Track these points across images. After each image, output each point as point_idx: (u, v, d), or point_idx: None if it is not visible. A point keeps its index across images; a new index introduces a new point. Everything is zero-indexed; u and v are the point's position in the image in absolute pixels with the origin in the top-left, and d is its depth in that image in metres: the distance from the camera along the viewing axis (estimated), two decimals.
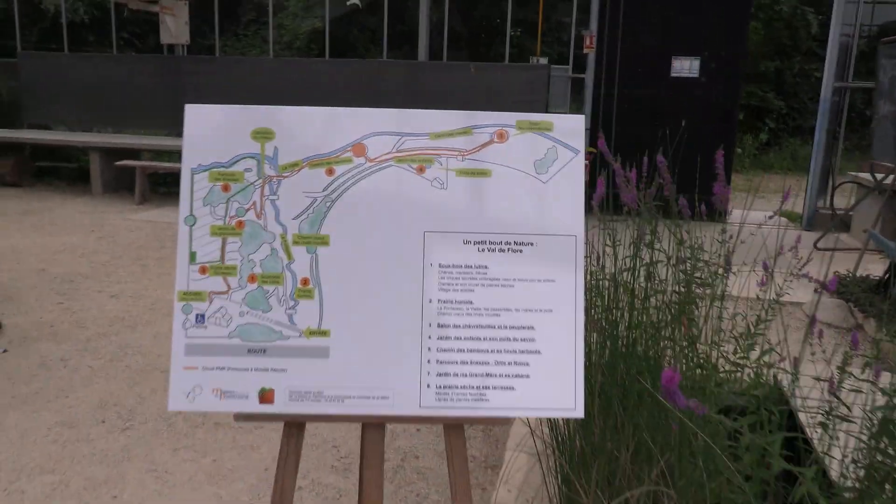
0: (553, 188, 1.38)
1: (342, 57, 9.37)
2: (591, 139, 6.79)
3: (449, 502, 2.49)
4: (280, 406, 1.34)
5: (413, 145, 1.39)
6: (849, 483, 1.52)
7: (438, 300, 1.35)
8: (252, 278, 1.36)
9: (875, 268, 5.51)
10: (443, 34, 8.99)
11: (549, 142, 1.39)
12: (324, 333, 1.35)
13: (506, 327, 1.35)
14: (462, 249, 1.36)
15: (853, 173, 7.28)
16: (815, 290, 1.77)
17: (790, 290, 1.82)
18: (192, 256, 1.37)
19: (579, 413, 1.34)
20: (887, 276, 4.83)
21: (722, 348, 1.80)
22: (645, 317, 1.85)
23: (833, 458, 1.58)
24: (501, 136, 1.39)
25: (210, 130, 1.39)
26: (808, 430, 1.74)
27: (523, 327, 1.35)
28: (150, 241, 6.27)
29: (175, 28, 8.80)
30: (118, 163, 8.30)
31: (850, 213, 6.90)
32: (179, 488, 2.52)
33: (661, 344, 1.85)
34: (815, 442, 1.64)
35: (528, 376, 1.34)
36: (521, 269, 1.36)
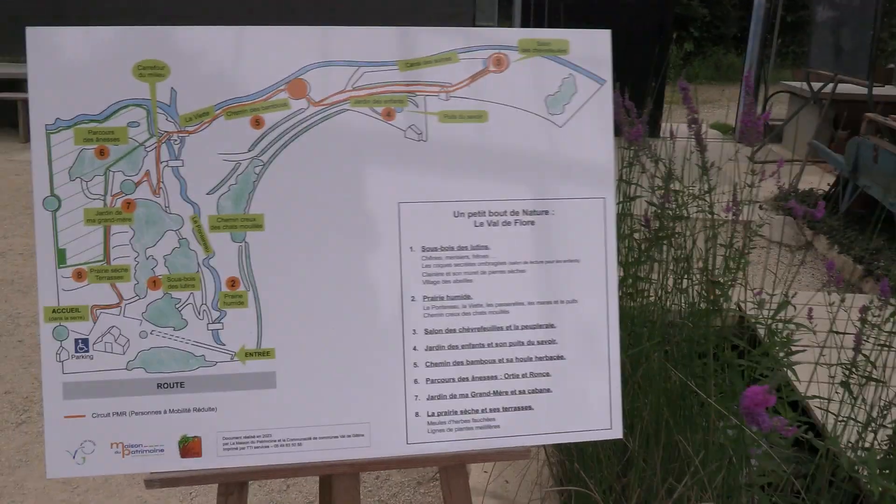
0: (572, 133, 1.00)
1: None
2: None
3: None
4: (211, 459, 0.95)
5: (375, 79, 0.98)
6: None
7: (423, 297, 0.98)
8: (154, 283, 0.94)
9: (813, 180, 5.43)
10: None
11: (564, 69, 1.01)
12: (266, 354, 0.96)
13: (517, 328, 0.99)
14: (452, 225, 0.98)
15: (786, 83, 7.16)
16: (760, 207, 1.55)
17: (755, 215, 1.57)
18: (61, 256, 0.94)
19: (616, 433, 1.02)
20: (833, 189, 4.73)
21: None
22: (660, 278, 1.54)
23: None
24: (499, 63, 1.00)
25: (70, 66, 0.94)
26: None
27: (540, 326, 1.00)
28: None
29: None
30: None
31: (784, 124, 6.80)
32: (94, 495, 2.12)
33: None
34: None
35: (548, 390, 1.00)
36: (534, 248, 1.00)
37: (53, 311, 0.93)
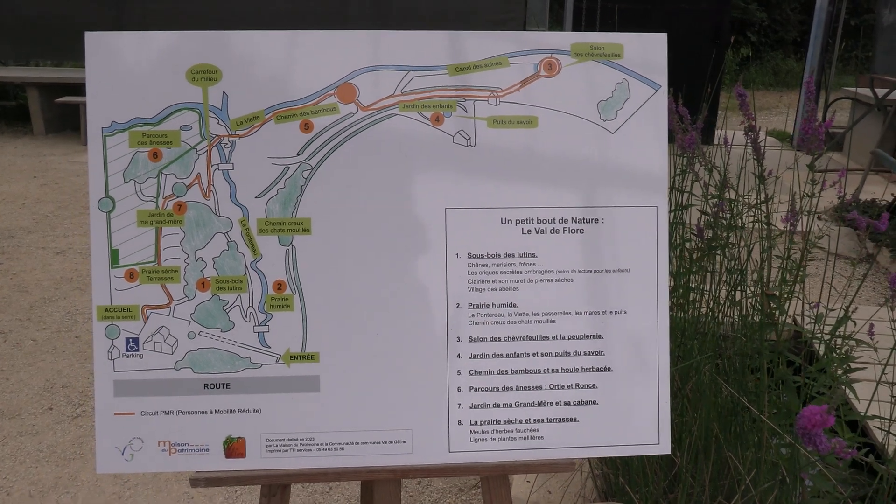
0: (625, 140, 0.98)
1: None
2: None
3: None
4: (254, 461, 0.96)
5: (424, 84, 0.97)
6: None
7: (469, 304, 0.96)
8: (203, 284, 0.96)
9: (876, 190, 5.23)
10: None
11: (618, 73, 0.98)
12: (311, 358, 0.96)
13: (564, 338, 0.97)
14: (499, 232, 0.97)
15: (848, 88, 6.92)
16: (820, 218, 1.49)
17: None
18: (114, 256, 0.96)
19: (664, 448, 0.99)
20: None
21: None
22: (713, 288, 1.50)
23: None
24: (551, 68, 0.98)
25: (126, 70, 0.96)
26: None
27: (588, 336, 0.97)
28: None
29: None
30: (59, 100, 7.60)
31: (846, 131, 6.58)
32: (142, 489, 2.17)
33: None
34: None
35: (595, 403, 0.98)
36: (583, 257, 0.97)
37: (106, 310, 0.95)
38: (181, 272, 0.96)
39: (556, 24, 8.16)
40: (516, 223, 0.97)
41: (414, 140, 0.97)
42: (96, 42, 0.97)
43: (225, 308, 0.96)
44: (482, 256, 0.97)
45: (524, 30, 7.84)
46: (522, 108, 0.98)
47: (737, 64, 11.09)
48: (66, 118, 7.77)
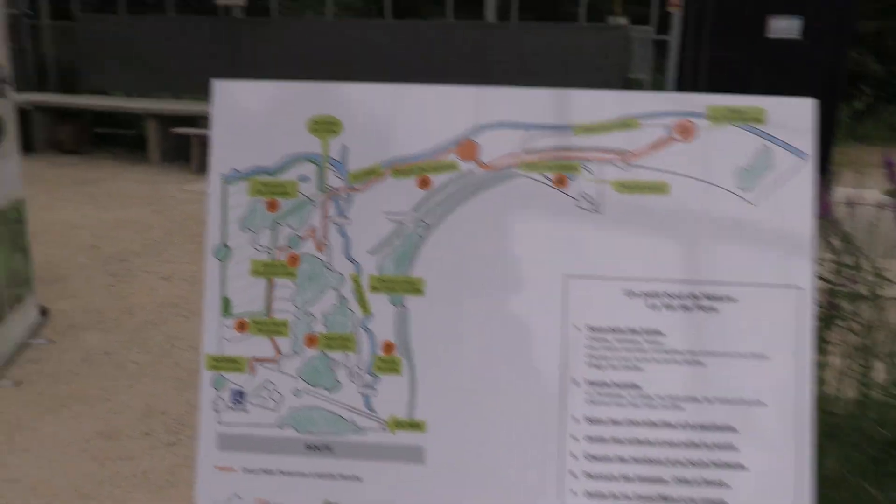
0: (767, 212, 0.90)
1: (403, 18, 8.84)
2: None
3: None
4: None
5: (548, 143, 0.93)
6: None
7: (587, 381, 0.90)
8: (311, 340, 0.93)
9: None
10: None
11: (759, 140, 0.91)
12: (417, 426, 0.91)
13: (692, 427, 0.89)
14: (624, 305, 0.90)
15: None
16: None
17: None
18: (226, 305, 0.95)
19: None
20: None
21: None
22: None
23: None
24: (685, 132, 0.91)
25: (249, 119, 0.96)
26: None
27: (719, 428, 0.88)
28: (205, 215, 5.97)
29: None
30: (173, 130, 8.05)
31: None
32: None
33: None
34: None
35: (724, 503, 0.88)
36: (716, 338, 0.89)
37: (214, 359, 0.94)
38: (291, 326, 0.94)
39: (657, 74, 8.02)
40: (642, 297, 0.90)
41: (535, 202, 0.92)
42: (223, 90, 0.98)
43: (332, 366, 0.93)
44: (603, 330, 0.90)
45: (626, 79, 7.75)
46: (653, 174, 0.91)
47: (850, 118, 10.56)
48: (180, 148, 8.21)
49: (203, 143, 7.86)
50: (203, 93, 9.00)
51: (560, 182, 0.92)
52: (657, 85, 7.86)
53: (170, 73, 8.97)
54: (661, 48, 7.65)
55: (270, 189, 0.95)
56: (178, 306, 3.97)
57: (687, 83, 6.64)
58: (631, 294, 0.90)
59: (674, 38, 6.87)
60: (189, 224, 5.70)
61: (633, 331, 0.90)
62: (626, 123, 0.92)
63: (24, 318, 3.45)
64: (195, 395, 2.60)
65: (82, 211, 6.03)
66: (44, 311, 3.72)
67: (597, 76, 7.51)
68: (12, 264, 3.35)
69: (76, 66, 9.33)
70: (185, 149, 8.08)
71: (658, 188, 0.91)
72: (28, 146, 7.34)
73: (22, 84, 7.47)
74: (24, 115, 7.21)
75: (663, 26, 7.53)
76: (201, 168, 7.86)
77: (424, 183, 0.93)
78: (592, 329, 0.90)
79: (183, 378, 3.12)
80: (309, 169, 0.95)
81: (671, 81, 6.93)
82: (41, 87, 9.36)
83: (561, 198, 0.92)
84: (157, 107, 8.44)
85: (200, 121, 8.22)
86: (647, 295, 0.90)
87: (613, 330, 0.90)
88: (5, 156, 3.28)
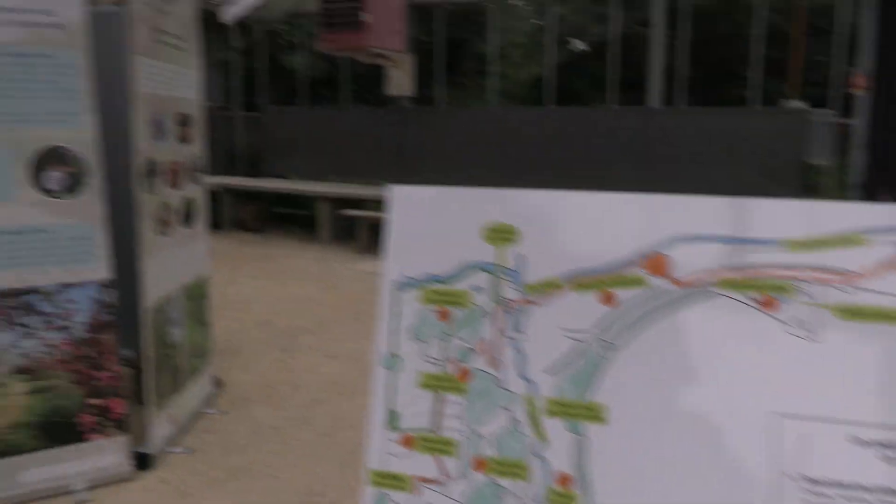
0: None
1: (564, 105, 8.95)
2: (869, 196, 5.65)
3: None
4: None
5: (753, 259, 0.82)
6: None
7: None
8: (480, 464, 0.86)
9: None
10: (674, 78, 8.22)
11: None
12: None
13: None
14: (849, 454, 0.76)
15: None
16: None
17: None
18: (393, 418, 0.91)
19: None
20: None
21: None
22: None
23: None
24: None
25: (424, 225, 0.94)
26: None
27: None
28: (369, 295, 6.18)
29: (400, 80, 8.96)
30: (342, 212, 8.53)
31: None
32: None
33: None
34: None
35: None
36: None
37: (379, 476, 0.90)
38: (459, 446, 0.88)
39: (841, 159, 7.45)
40: (872, 446, 0.75)
41: (738, 326, 0.81)
42: (399, 195, 0.97)
43: (501, 494, 0.85)
44: (823, 484, 0.76)
45: (804, 165, 7.27)
46: (885, 299, 0.78)
47: None
48: (348, 229, 8.68)
49: (370, 224, 8.26)
50: (370, 178, 9.58)
51: (768, 304, 0.81)
52: (841, 171, 7.30)
53: (341, 159, 9.63)
54: (842, 132, 7.13)
55: (442, 298, 0.92)
56: (341, 385, 4.06)
57: (879, 170, 6.10)
58: (859, 442, 0.76)
59: (859, 120, 6.38)
60: (354, 303, 5.92)
61: (861, 487, 0.75)
62: (848, 239, 0.80)
63: (201, 388, 3.68)
64: (353, 478, 2.56)
65: (259, 286, 6.46)
66: (218, 383, 3.95)
67: (770, 162, 7.11)
68: (195, 337, 3.61)
69: (261, 152, 10.30)
70: (353, 229, 8.53)
71: (891, 316, 0.77)
72: (216, 224, 8.11)
73: (214, 168, 8.35)
74: (215, 197, 8.01)
75: (845, 108, 7.03)
76: (367, 248, 8.24)
77: (608, 299, 0.86)
78: (809, 481, 0.76)
79: (344, 460, 3.14)
80: (483, 278, 0.91)
81: (858, 167, 6.40)
82: (230, 170, 10.38)
83: (769, 322, 0.80)
84: (329, 190, 9.03)
85: (367, 203, 8.68)
86: (881, 445, 0.75)
87: (835, 484, 0.75)
88: (196, 237, 3.59)
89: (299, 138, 9.88)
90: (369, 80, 10.07)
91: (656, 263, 0.85)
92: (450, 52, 9.30)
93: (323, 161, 9.79)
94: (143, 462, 2.97)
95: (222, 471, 3.03)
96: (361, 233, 8.24)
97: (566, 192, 0.91)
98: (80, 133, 2.61)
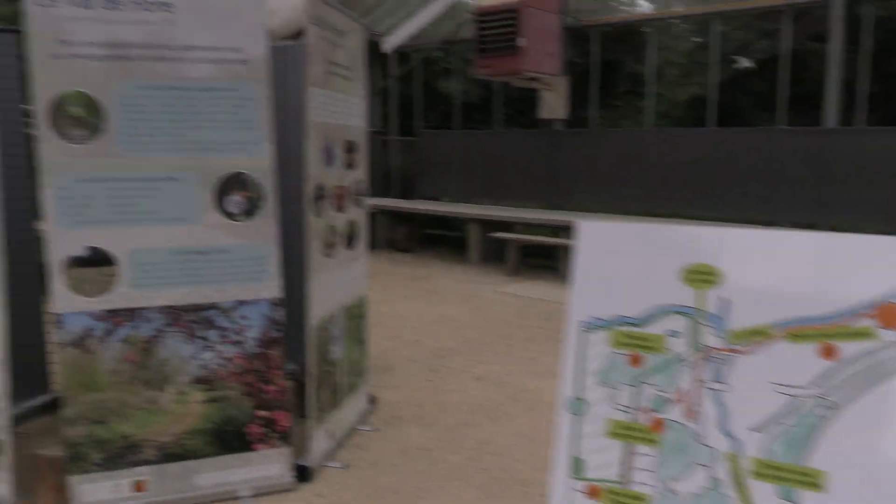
0: None
1: (726, 125, 8.48)
2: None
3: None
4: None
5: None
6: None
7: None
8: None
9: None
10: (853, 95, 7.54)
11: None
12: None
13: None
14: None
15: None
16: None
17: None
18: (577, 466, 0.86)
19: None
20: None
21: None
22: None
23: None
24: None
25: (614, 263, 0.89)
26: None
27: None
28: (516, 318, 6.16)
29: (553, 103, 8.91)
30: (491, 234, 8.58)
31: None
32: None
33: None
34: None
35: None
36: None
37: None
38: (650, 502, 0.81)
39: None
40: None
41: None
42: (587, 231, 0.93)
43: None
44: None
45: None
46: None
47: None
48: (497, 251, 8.72)
49: (519, 247, 8.25)
50: (522, 201, 9.60)
51: None
52: None
53: (493, 182, 9.73)
54: None
55: (635, 342, 0.86)
56: (487, 409, 4.05)
57: None
58: None
59: None
60: (500, 325, 5.91)
61: None
62: None
63: (357, 404, 3.80)
64: None
65: (410, 305, 6.63)
66: (372, 400, 4.06)
67: None
68: (353, 355, 3.73)
69: (415, 175, 10.62)
70: (502, 251, 8.55)
71: None
72: (371, 244, 8.43)
73: (371, 190, 8.69)
74: (370, 218, 8.33)
75: None
76: (515, 271, 8.23)
77: (829, 352, 0.76)
78: None
79: (488, 487, 3.12)
80: (680, 323, 0.84)
81: None
82: (385, 192, 10.78)
83: None
84: (479, 212, 9.13)
85: (517, 226, 8.68)
86: None
87: None
88: (357, 258, 3.73)
89: (452, 161, 10.12)
90: (523, 103, 10.13)
91: (888, 314, 0.75)
92: (604, 74, 9.14)
93: (475, 184, 9.94)
94: (302, 474, 3.10)
95: (374, 489, 3.09)
96: (511, 255, 8.25)
97: (779, 231, 0.83)
98: (259, 161, 2.79)
